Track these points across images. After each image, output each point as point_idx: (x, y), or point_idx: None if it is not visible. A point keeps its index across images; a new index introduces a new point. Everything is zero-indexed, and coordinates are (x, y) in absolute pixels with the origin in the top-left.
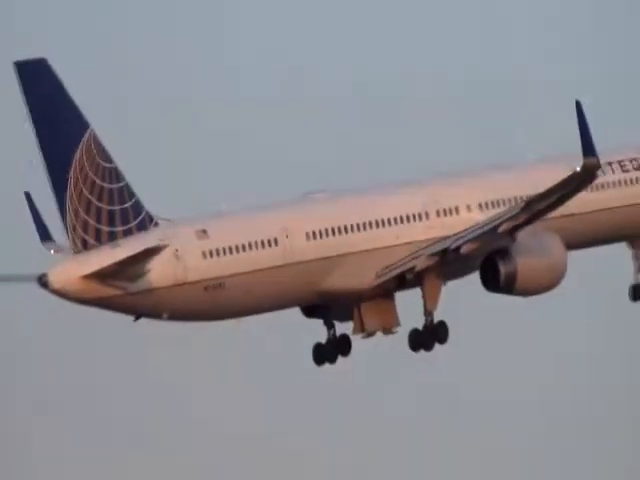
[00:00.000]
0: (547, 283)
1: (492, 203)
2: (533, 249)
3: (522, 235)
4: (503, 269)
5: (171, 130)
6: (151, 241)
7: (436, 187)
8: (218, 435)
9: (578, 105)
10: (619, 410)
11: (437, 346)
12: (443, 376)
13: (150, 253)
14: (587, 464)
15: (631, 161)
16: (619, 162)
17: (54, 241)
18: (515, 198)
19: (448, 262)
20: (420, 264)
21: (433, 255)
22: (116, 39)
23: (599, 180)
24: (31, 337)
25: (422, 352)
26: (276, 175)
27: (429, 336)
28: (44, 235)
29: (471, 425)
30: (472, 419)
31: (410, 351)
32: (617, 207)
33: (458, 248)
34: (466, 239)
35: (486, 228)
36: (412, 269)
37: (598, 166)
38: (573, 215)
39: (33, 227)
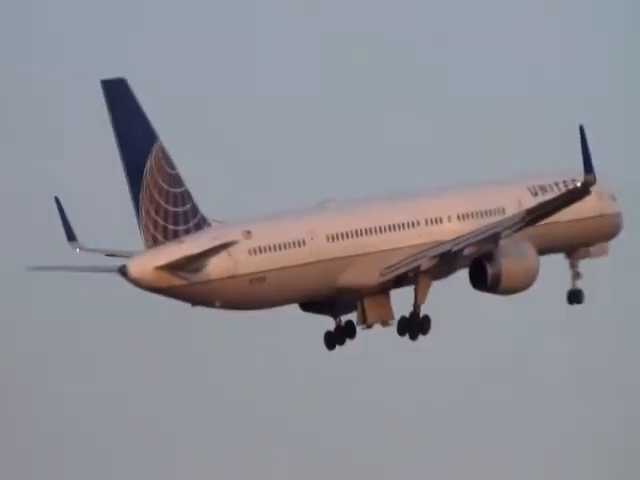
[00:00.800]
0: (525, 284)
1: (467, 215)
2: (513, 254)
3: (503, 241)
4: (490, 271)
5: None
6: (207, 239)
7: (424, 199)
8: (257, 400)
9: (581, 129)
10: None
11: (420, 336)
12: (425, 359)
13: (221, 249)
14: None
15: (565, 182)
16: (556, 184)
17: (78, 241)
18: (485, 211)
19: (445, 263)
20: (425, 264)
21: (435, 257)
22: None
23: (543, 198)
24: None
25: (408, 339)
26: (290, 183)
27: (415, 327)
28: (70, 236)
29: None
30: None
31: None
32: (555, 222)
33: (459, 251)
34: (468, 243)
35: (488, 234)
36: (417, 268)
37: (595, 182)
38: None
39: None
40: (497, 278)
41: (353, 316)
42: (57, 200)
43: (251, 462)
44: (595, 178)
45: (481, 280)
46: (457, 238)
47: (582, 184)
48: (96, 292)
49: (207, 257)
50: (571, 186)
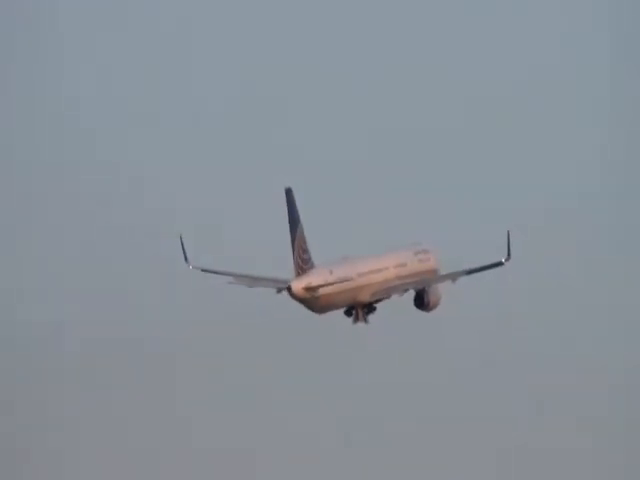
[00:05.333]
0: (437, 306)
1: (398, 265)
2: (435, 291)
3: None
4: (426, 298)
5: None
6: (318, 274)
7: (381, 258)
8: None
9: (508, 234)
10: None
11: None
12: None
13: (342, 281)
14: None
15: (424, 250)
16: (421, 250)
17: (189, 261)
18: (401, 264)
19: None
20: (396, 294)
21: (404, 290)
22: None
23: (423, 257)
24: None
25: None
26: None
27: (369, 310)
28: (186, 258)
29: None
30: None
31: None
32: (423, 272)
33: (419, 288)
34: (424, 284)
35: (438, 282)
36: (389, 296)
37: (509, 260)
38: (408, 275)
39: (182, 253)
40: (428, 302)
41: None
42: (180, 237)
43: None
44: (509, 260)
45: (420, 303)
46: (420, 281)
47: (505, 261)
48: (269, 297)
49: (329, 284)
50: (425, 253)
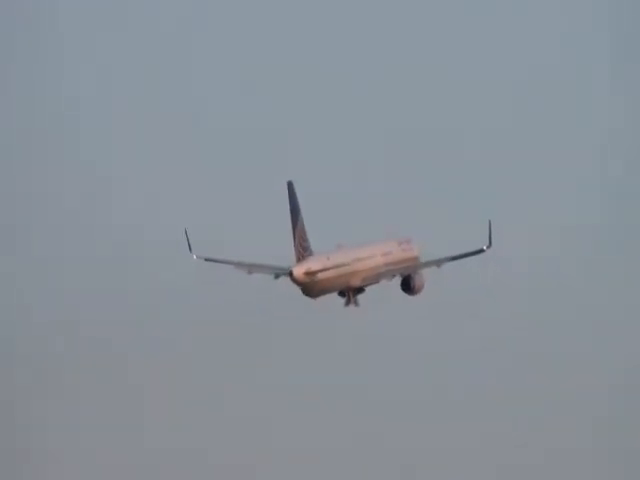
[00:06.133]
0: (422, 290)
1: (385, 254)
2: (420, 277)
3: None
4: (412, 282)
5: None
6: (317, 260)
7: (369, 247)
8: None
9: (489, 223)
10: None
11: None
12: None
13: (338, 267)
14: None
15: (407, 240)
16: (404, 240)
17: (193, 251)
18: (388, 252)
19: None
20: (385, 279)
21: (392, 275)
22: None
23: (406, 246)
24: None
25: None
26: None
27: (358, 292)
28: (190, 248)
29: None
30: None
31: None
32: (407, 259)
33: (405, 274)
34: (411, 270)
35: (424, 267)
36: (378, 281)
37: (490, 247)
38: (393, 262)
39: (187, 245)
40: (414, 286)
41: None
42: (185, 231)
43: None
44: (490, 247)
45: (406, 287)
46: (407, 267)
47: (486, 248)
48: (270, 283)
49: (327, 270)
50: (407, 243)
